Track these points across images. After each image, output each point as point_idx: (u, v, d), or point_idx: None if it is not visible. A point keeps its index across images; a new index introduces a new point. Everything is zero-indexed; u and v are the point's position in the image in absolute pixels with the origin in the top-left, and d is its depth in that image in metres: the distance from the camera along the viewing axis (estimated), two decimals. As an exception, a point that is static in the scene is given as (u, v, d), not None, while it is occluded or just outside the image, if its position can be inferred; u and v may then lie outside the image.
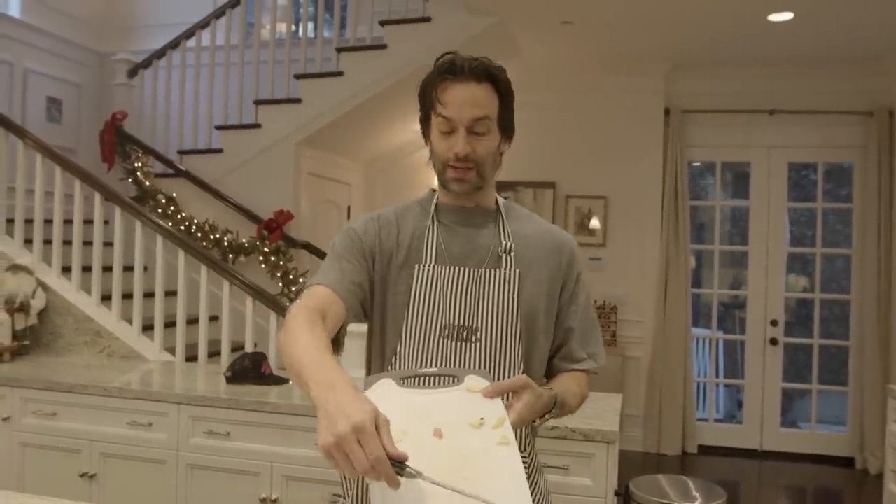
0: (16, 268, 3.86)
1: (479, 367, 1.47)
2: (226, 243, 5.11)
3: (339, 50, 5.24)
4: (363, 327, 1.62)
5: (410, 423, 1.19)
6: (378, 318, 1.56)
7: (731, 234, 6.10)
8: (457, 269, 1.52)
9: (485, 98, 1.48)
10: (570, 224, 5.94)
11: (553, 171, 5.98)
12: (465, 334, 1.49)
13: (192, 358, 4.04)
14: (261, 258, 5.06)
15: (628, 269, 5.85)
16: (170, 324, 4.10)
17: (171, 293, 4.23)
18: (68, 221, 4.12)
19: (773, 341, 5.67)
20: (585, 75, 5.81)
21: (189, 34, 5.64)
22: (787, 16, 4.49)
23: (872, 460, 5.22)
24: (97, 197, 4.06)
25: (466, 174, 1.50)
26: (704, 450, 5.69)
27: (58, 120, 5.98)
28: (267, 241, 5.05)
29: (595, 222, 5.91)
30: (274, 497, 2.93)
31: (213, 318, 4.35)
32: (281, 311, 3.87)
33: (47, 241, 4.13)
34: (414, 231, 1.57)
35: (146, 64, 5.69)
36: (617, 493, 2.70)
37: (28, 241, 4.14)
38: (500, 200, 1.64)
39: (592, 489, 2.62)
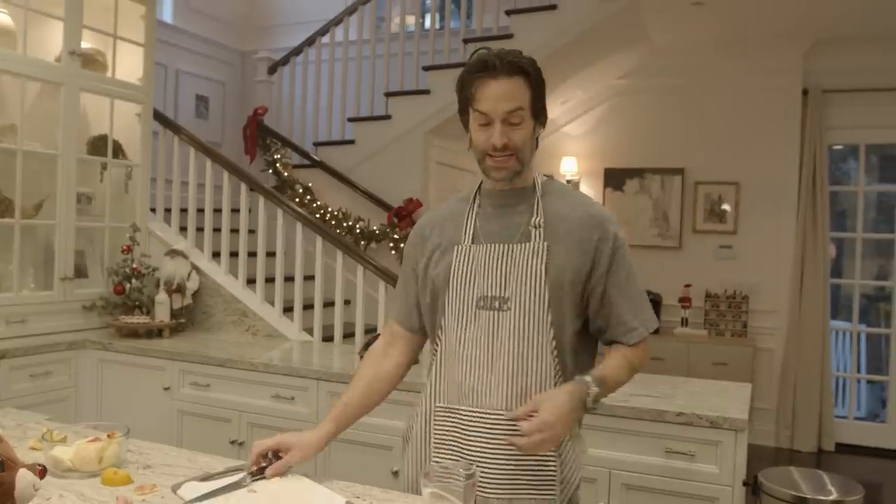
0: (173, 252, 4.22)
1: (511, 332, 1.61)
2: (358, 230, 5.33)
3: (466, 41, 5.34)
4: None
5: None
6: (428, 302, 1.75)
7: (877, 221, 5.74)
8: (491, 245, 1.66)
9: (517, 91, 1.59)
10: (699, 211, 5.80)
11: (682, 157, 5.84)
12: (497, 304, 1.62)
13: (328, 338, 4.25)
14: (391, 245, 5.24)
15: (761, 258, 5.64)
16: (308, 306, 4.33)
17: (309, 277, 4.49)
18: (217, 210, 4.44)
19: (923, 335, 5.31)
20: (716, 57, 5.63)
21: (323, 31, 5.90)
22: (941, -14, 4.18)
23: None
24: (243, 187, 4.36)
25: (507, 162, 1.63)
26: (843, 448, 5.42)
27: (205, 116, 6.42)
28: (397, 229, 5.22)
29: (726, 208, 5.73)
30: (405, 470, 3.08)
31: (347, 302, 4.56)
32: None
33: (199, 229, 4.47)
34: (457, 217, 1.75)
35: (284, 61, 6.01)
36: (745, 483, 2.65)
37: (183, 229, 4.50)
38: (540, 179, 1.73)
39: (719, 477, 2.60)
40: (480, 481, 1.57)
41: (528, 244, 1.63)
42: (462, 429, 1.63)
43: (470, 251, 1.67)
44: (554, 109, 6.00)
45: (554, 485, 1.61)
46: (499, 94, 1.58)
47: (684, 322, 5.67)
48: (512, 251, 1.64)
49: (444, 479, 1.37)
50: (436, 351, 1.73)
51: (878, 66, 5.33)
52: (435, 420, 1.70)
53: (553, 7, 4.97)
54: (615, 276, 1.67)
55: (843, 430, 5.52)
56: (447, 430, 1.67)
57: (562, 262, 1.62)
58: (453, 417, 1.65)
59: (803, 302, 5.44)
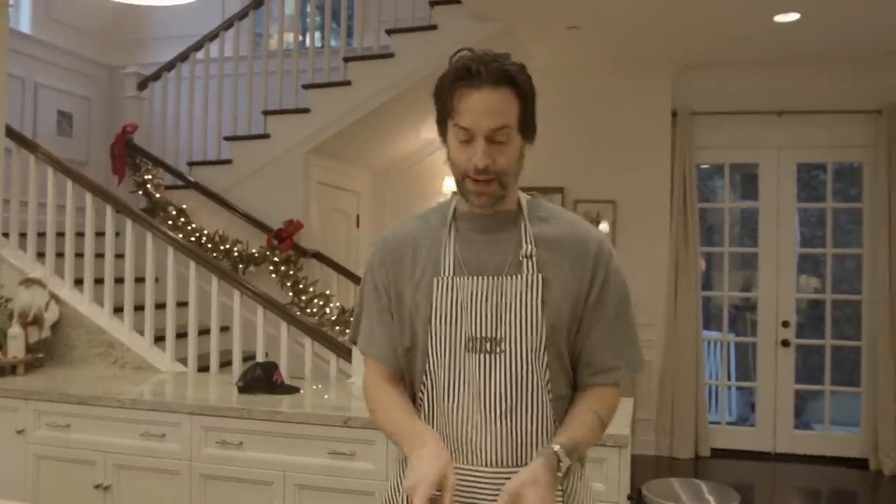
0: (29, 281, 3.89)
1: (505, 379, 1.44)
2: (236, 253, 5.14)
3: (347, 59, 5.27)
4: None
5: None
6: (406, 337, 1.53)
7: (741, 235, 6.08)
8: (476, 278, 1.47)
9: (503, 104, 1.40)
10: (578, 228, 5.94)
11: (561, 176, 5.98)
12: (488, 346, 1.45)
13: (203, 368, 4.06)
14: (271, 268, 5.08)
15: (638, 273, 5.83)
16: (181, 334, 4.12)
17: (182, 304, 4.25)
18: (80, 234, 4.15)
19: (785, 343, 5.64)
20: (592, 79, 5.81)
21: (198, 46, 5.68)
22: (793, 16, 4.48)
23: (887, 461, 5.19)
24: (108, 209, 4.10)
25: (488, 187, 1.44)
26: (717, 453, 5.67)
27: (68, 133, 6.03)
28: (277, 251, 5.07)
29: (604, 226, 5.90)
30: (287, 506, 2.94)
31: (224, 329, 4.37)
32: (291, 321, 3.89)
33: (59, 254, 4.16)
34: (432, 243, 1.53)
35: (156, 76, 5.73)
36: (630, 498, 2.69)
37: (41, 255, 4.17)
38: (524, 200, 1.56)
39: (605, 494, 2.62)
40: None
41: (519, 276, 1.46)
42: (456, 487, 1.44)
43: (453, 284, 1.47)
44: (434, 130, 5.99)
45: None
46: (483, 108, 1.39)
47: (567, 337, 5.76)
48: (502, 285, 1.46)
49: None
50: (421, 398, 1.53)
51: (740, 90, 5.67)
52: None
53: (433, 27, 4.99)
54: (603, 307, 1.50)
55: (717, 435, 5.77)
56: None
57: (558, 295, 1.46)
58: None
59: (678, 314, 5.67)
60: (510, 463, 1.45)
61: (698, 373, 5.65)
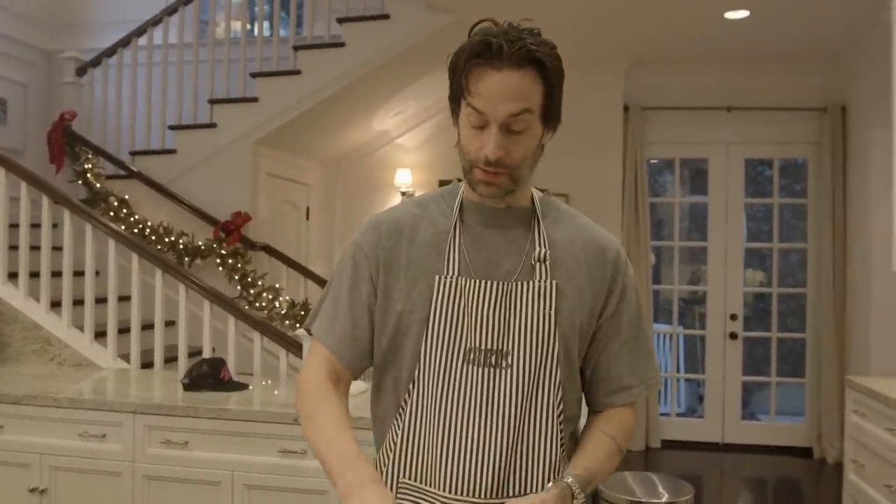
0: (-41, 275, 3.70)
1: (510, 398, 1.28)
2: (181, 246, 4.99)
3: (297, 48, 5.15)
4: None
5: None
6: (386, 338, 1.36)
7: (690, 230, 6.16)
8: (483, 282, 1.30)
9: (526, 88, 1.24)
10: (531, 222, 5.93)
11: (514, 170, 5.96)
12: (493, 359, 1.28)
13: (147, 365, 3.93)
14: (218, 261, 4.94)
15: (590, 267, 5.87)
16: (124, 330, 3.97)
17: (124, 298, 4.11)
18: (14, 226, 3.96)
19: (733, 335, 5.74)
20: (545, 73, 5.80)
21: (140, 32, 5.49)
22: (743, 14, 4.53)
23: (829, 450, 5.32)
24: (45, 200, 3.91)
25: (497, 178, 1.28)
26: (668, 444, 5.74)
27: (2, 121, 5.77)
28: (224, 244, 4.94)
29: (556, 220, 5.91)
30: (235, 507, 2.85)
31: (170, 324, 4.23)
32: (239, 315, 3.77)
33: (-8, 247, 3.96)
34: (434, 235, 1.35)
35: (96, 62, 5.52)
36: (585, 493, 2.68)
37: (-28, 247, 3.97)
38: (538, 196, 1.41)
39: (560, 489, 2.59)
40: None
41: (531, 283, 1.30)
42: None
43: (456, 286, 1.30)
44: (387, 121, 5.93)
45: None
46: (502, 91, 1.22)
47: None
48: (512, 291, 1.30)
49: None
50: (403, 409, 1.34)
51: (689, 86, 5.72)
52: (398, 498, 1.32)
53: (386, 16, 4.90)
54: (619, 321, 1.38)
55: (667, 427, 5.84)
56: None
57: (573, 305, 1.32)
58: (426, 501, 1.30)
59: (629, 308, 5.70)
60: (505, 493, 1.28)
61: (649, 366, 5.70)
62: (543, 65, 1.25)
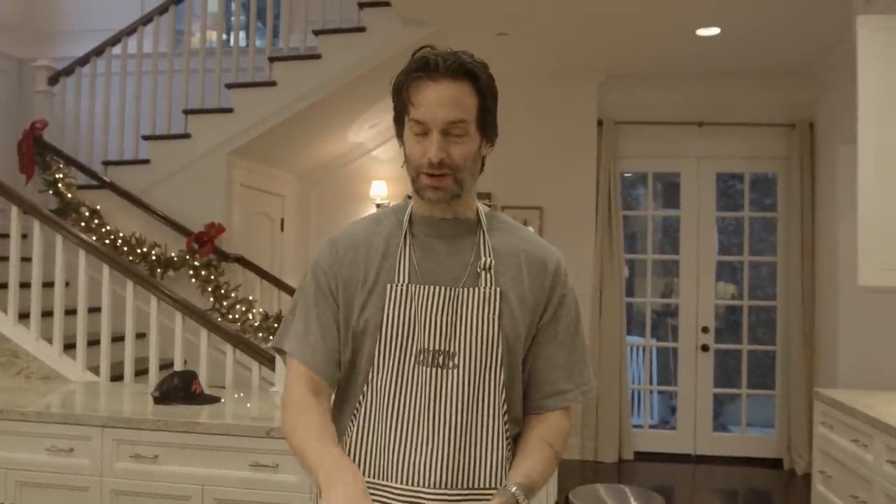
0: (-76, 286, 3.64)
1: (457, 396, 1.37)
2: (154, 257, 4.95)
3: (272, 59, 5.15)
4: None
5: None
6: (348, 348, 1.45)
7: (663, 243, 6.22)
8: (431, 288, 1.40)
9: (461, 98, 1.36)
10: (506, 234, 5.95)
11: (488, 182, 5.99)
12: (441, 360, 1.38)
13: (117, 377, 3.88)
14: (191, 272, 4.91)
15: (564, 279, 5.90)
16: (94, 342, 3.92)
17: (94, 310, 4.06)
18: (-18, 236, 3.91)
19: (705, 348, 5.80)
20: (521, 87, 5.84)
21: (115, 41, 5.46)
22: (714, 31, 4.62)
23: (799, 461, 5.38)
24: (14, 210, 3.87)
25: (442, 181, 1.37)
26: (640, 456, 5.77)
27: (-28, 129, 5.69)
28: (197, 255, 4.90)
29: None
30: (205, 521, 2.82)
31: (140, 336, 4.18)
32: (211, 327, 3.75)
33: (-41, 257, 3.91)
34: (386, 248, 1.45)
35: (68, 71, 5.47)
36: (557, 505, 2.69)
37: (-62, 258, 3.92)
38: (483, 210, 1.51)
39: (534, 501, 2.60)
40: None
41: (477, 289, 1.40)
42: None
43: (407, 292, 1.40)
44: (362, 133, 5.94)
45: None
46: (439, 99, 1.33)
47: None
48: (459, 297, 1.40)
49: None
50: (357, 409, 1.43)
51: (662, 101, 5.80)
52: None
53: (362, 29, 4.93)
54: (556, 327, 1.47)
55: (640, 438, 5.88)
56: None
57: (515, 311, 1.42)
58: (380, 496, 1.37)
59: (602, 320, 5.75)
60: (454, 485, 1.36)
61: (622, 377, 5.74)
62: (477, 77, 1.38)
